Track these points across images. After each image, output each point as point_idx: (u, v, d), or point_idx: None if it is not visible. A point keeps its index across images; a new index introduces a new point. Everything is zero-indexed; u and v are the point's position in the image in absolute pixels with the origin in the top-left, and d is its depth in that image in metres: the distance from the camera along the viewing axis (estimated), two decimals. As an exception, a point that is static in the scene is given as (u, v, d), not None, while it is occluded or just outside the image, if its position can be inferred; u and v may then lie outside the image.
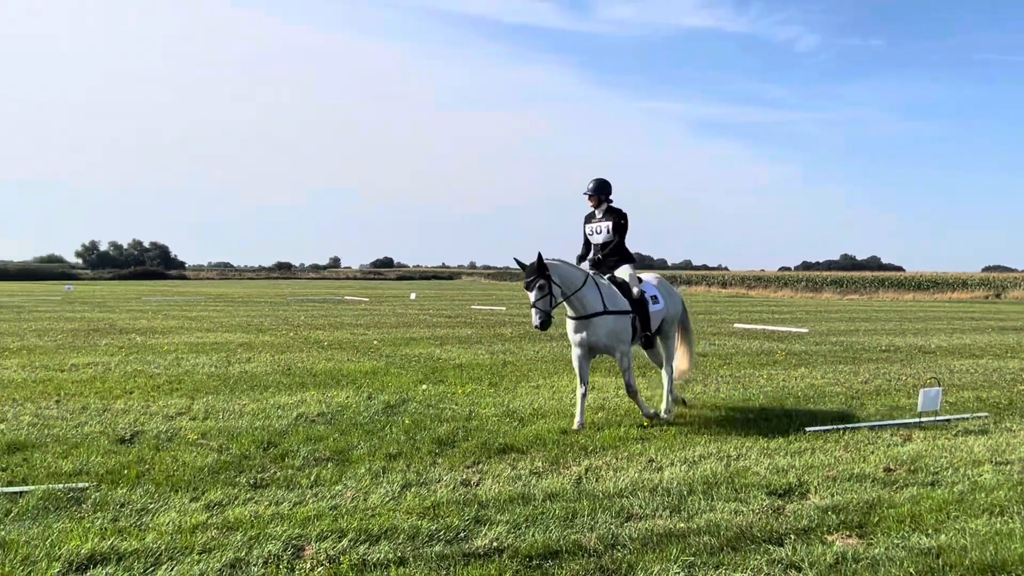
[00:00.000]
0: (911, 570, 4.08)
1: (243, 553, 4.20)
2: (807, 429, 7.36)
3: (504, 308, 29.17)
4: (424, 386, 9.91)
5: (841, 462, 6.24)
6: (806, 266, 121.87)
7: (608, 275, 7.89)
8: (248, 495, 5.23)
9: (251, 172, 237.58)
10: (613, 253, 8.02)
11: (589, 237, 8.18)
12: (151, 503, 5.03)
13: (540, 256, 7.13)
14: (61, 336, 16.52)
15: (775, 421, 7.77)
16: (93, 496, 5.14)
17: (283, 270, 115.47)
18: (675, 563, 4.16)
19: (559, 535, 4.54)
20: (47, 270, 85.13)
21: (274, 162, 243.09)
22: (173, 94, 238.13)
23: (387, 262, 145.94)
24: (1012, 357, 14.05)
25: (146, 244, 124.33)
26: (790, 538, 4.54)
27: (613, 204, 8.08)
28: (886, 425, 7.69)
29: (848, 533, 4.64)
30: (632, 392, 7.62)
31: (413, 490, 5.39)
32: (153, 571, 3.99)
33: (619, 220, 7.99)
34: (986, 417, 8.24)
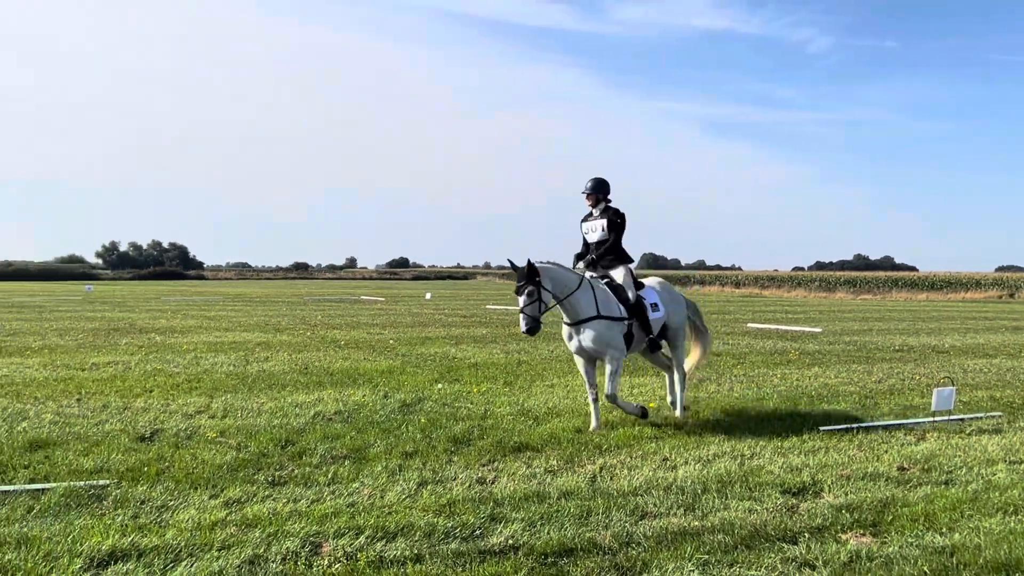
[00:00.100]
0: (925, 569, 4.09)
1: (261, 550, 4.26)
2: (821, 428, 7.35)
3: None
4: (440, 385, 9.96)
5: (855, 461, 6.24)
6: (819, 266, 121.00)
7: (605, 277, 7.80)
8: (266, 492, 5.29)
9: (269, 173, 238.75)
10: (608, 252, 7.93)
11: (585, 236, 8.15)
12: (171, 500, 5.10)
13: (530, 262, 7.10)
14: (82, 335, 16.71)
15: (789, 420, 7.77)
16: (114, 493, 5.22)
17: (300, 270, 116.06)
18: (689, 561, 4.18)
19: (574, 533, 4.57)
20: (68, 270, 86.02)
21: (291, 163, 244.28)
22: (189, 96, 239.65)
23: (403, 262, 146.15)
24: (1030, 356, 13.93)
25: (165, 245, 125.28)
26: (804, 536, 4.55)
27: (611, 204, 8.04)
28: (900, 424, 7.67)
29: (862, 532, 4.65)
30: (612, 400, 7.38)
31: (429, 488, 5.44)
32: (173, 567, 4.05)
33: (615, 219, 7.91)
34: (1000, 416, 8.20)
